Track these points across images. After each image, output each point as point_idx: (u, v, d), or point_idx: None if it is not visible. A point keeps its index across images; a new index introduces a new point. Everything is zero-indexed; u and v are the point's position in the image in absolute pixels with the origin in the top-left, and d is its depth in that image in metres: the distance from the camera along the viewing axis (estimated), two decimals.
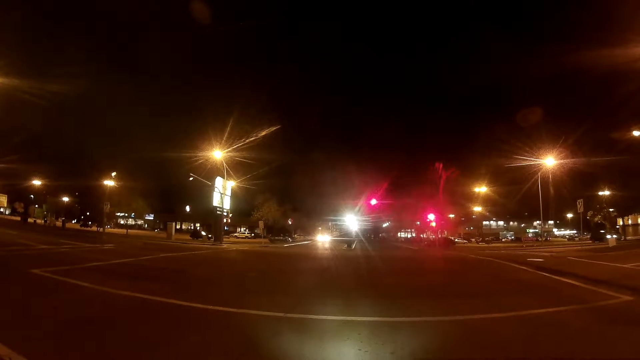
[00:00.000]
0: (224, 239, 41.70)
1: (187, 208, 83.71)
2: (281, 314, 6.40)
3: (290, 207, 73.13)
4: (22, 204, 56.44)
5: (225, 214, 43.35)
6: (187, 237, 52.56)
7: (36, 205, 65.82)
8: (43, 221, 56.36)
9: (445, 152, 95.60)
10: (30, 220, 54.54)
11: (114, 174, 51.09)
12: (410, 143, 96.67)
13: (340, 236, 70.38)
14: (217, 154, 39.76)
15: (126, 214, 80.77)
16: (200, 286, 10.18)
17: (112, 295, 7.61)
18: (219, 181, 40.90)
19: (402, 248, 45.77)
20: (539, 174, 39.23)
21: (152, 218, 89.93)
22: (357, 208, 63.65)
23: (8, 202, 60.21)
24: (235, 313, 6.45)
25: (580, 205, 36.53)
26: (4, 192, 56.32)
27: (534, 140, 39.63)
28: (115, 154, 55.83)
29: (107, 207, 43.89)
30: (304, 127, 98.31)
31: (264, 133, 40.31)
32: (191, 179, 38.08)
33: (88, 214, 74.10)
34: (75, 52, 46.54)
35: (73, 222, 71.86)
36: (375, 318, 6.46)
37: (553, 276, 12.67)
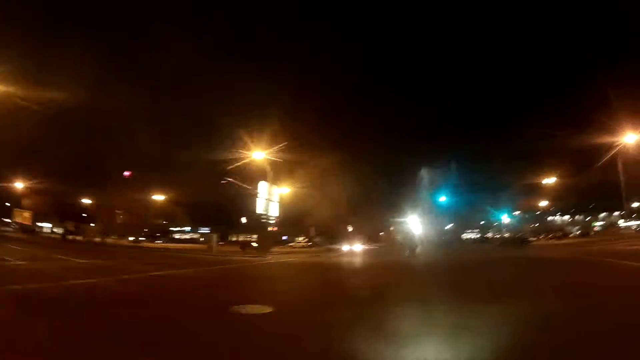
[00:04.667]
0: (277, 249, 39.01)
1: (244, 219, 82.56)
2: None
3: (349, 212, 68.83)
4: (73, 223, 58.15)
5: (272, 221, 40.33)
6: (238, 248, 50.05)
7: (91, 224, 67.38)
8: (82, 237, 57.14)
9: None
10: (69, 237, 55.03)
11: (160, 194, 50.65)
12: (471, 134, 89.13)
13: (402, 240, 65.58)
14: (258, 154, 36.66)
15: (180, 227, 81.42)
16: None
17: None
18: (262, 186, 37.95)
19: (473, 250, 41.32)
20: (618, 158, 38.20)
21: (208, 231, 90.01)
22: (419, 209, 59.03)
23: (60, 221, 62.37)
24: None
25: None
26: (52, 212, 59.32)
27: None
28: (167, 168, 55.71)
29: (120, 217, 44.18)
30: (364, 123, 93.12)
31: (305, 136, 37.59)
32: (223, 182, 35.51)
33: (146, 230, 75.16)
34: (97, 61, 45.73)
35: (130, 238, 72.62)
36: None
37: None
